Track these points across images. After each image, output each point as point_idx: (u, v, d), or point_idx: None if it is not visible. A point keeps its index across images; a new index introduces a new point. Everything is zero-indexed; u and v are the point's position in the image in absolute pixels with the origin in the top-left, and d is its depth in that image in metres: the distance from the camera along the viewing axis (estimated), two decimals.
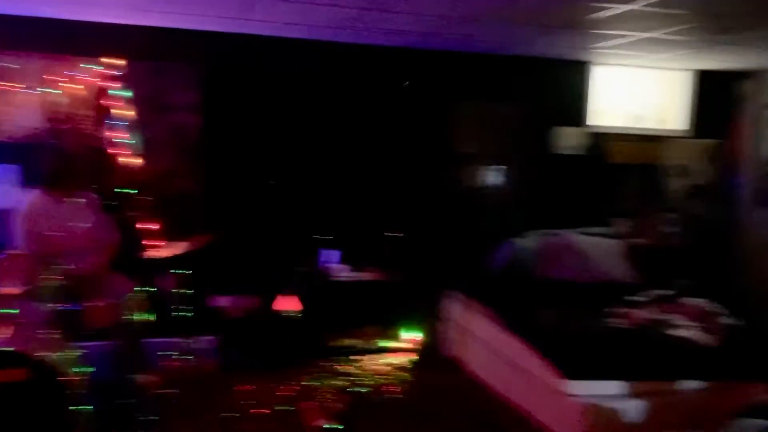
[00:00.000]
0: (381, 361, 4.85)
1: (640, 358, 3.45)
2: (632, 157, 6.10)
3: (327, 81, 5.36)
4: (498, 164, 5.88)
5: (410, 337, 5.14)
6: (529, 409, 3.76)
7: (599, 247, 5.45)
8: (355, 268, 5.16)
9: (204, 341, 4.60)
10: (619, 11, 3.97)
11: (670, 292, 4.19)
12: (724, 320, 3.70)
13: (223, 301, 4.82)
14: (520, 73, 5.80)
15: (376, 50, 5.37)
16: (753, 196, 6.23)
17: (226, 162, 5.15)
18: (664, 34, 4.60)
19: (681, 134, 6.20)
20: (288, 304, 4.80)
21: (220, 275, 4.91)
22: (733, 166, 6.39)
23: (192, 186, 5.03)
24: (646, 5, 3.82)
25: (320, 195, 5.34)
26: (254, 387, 4.18)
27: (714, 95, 6.21)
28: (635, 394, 3.33)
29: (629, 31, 4.60)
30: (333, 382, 4.33)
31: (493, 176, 5.89)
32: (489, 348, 4.31)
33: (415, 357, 4.94)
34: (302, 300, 4.82)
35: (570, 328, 3.72)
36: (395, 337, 5.16)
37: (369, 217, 5.38)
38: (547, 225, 5.66)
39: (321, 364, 4.67)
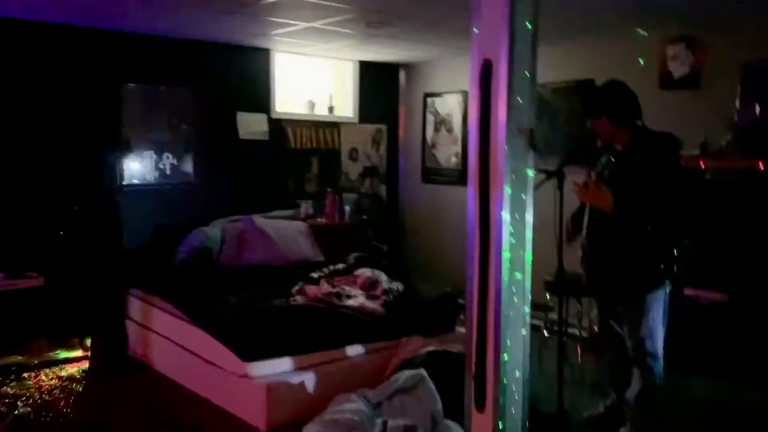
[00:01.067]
0: (52, 374, 4.33)
1: (312, 331, 3.64)
2: (312, 142, 6.43)
3: None
4: (178, 151, 5.68)
5: (87, 344, 4.68)
6: (217, 400, 3.71)
7: (285, 230, 5.62)
8: (11, 275, 4.49)
9: None
10: None
11: (344, 266, 4.52)
12: (388, 286, 4.10)
13: None
14: (203, 58, 5.66)
15: (31, 26, 4.74)
16: (418, 175, 7.06)
17: None
18: (327, 24, 4.89)
19: (350, 120, 6.71)
20: None
21: None
22: (399, 148, 7.16)
23: None
24: None
25: None
26: None
27: (376, 84, 6.85)
28: (307, 367, 3.51)
29: (294, 19, 4.78)
30: None
31: (173, 163, 5.66)
32: (171, 343, 4.14)
33: (91, 365, 4.50)
34: None
35: (248, 313, 3.76)
36: (71, 347, 4.67)
37: (24, 214, 4.72)
38: (233, 212, 5.65)
39: None
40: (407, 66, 7.03)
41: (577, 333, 4.70)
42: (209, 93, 5.72)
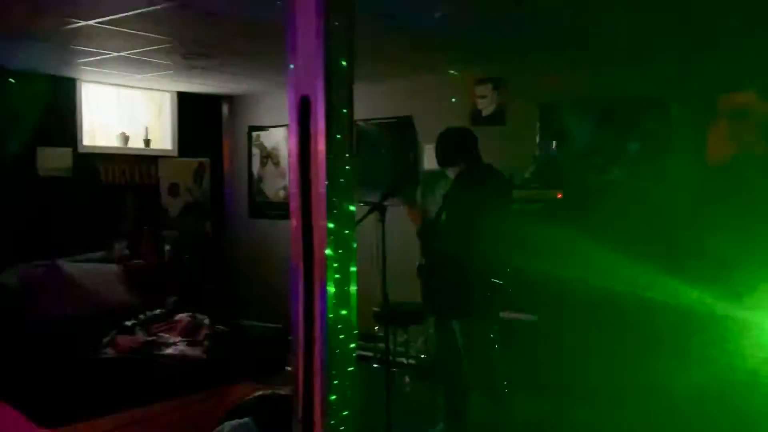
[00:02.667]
0: None
1: (125, 387, 3.31)
2: (127, 177, 5.99)
3: None
4: None
5: None
6: None
7: (96, 274, 5.13)
8: None
9: None
10: (80, 25, 3.78)
11: (162, 311, 4.21)
12: (211, 329, 3.87)
13: None
14: None
15: None
16: (244, 209, 6.85)
17: None
18: (138, 54, 4.60)
19: (170, 154, 6.37)
20: None
21: None
22: (223, 182, 6.91)
23: None
24: (106, 23, 3.72)
25: None
26: None
27: (197, 116, 6.59)
28: (122, 427, 3.19)
29: (102, 48, 4.45)
30: None
31: None
32: None
33: None
34: None
35: (49, 371, 3.33)
36: None
37: None
38: (35, 256, 5.05)
39: None
40: (231, 98, 6.86)
41: (405, 362, 4.79)
42: (2, 126, 5.11)
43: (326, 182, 2.88)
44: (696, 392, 3.65)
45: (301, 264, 3.03)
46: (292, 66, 3.19)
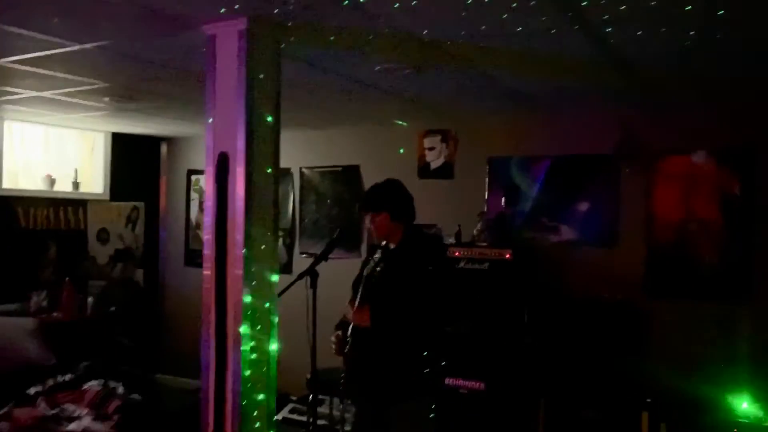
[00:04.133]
0: None
1: None
2: (50, 222, 5.56)
3: None
4: None
5: None
6: None
7: (6, 328, 4.66)
8: None
9: None
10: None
11: (72, 377, 3.79)
12: (124, 401, 3.48)
13: None
14: None
15: None
16: (180, 256, 6.46)
17: None
18: (62, 95, 4.27)
19: (100, 197, 5.96)
20: None
21: None
22: (159, 228, 6.52)
23: None
24: (19, 62, 3.40)
25: None
26: None
27: (132, 158, 6.22)
28: None
29: (21, 88, 4.10)
30: None
31: None
32: None
33: None
34: None
35: None
36: None
37: None
38: None
39: None
40: (169, 140, 6.53)
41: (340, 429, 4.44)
42: None
43: (243, 251, 2.56)
44: None
45: (213, 341, 2.67)
46: (210, 120, 2.87)
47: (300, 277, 3.02)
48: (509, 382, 4.23)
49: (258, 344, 2.52)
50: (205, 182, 2.55)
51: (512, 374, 4.23)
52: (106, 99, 4.38)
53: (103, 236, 5.96)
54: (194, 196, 6.42)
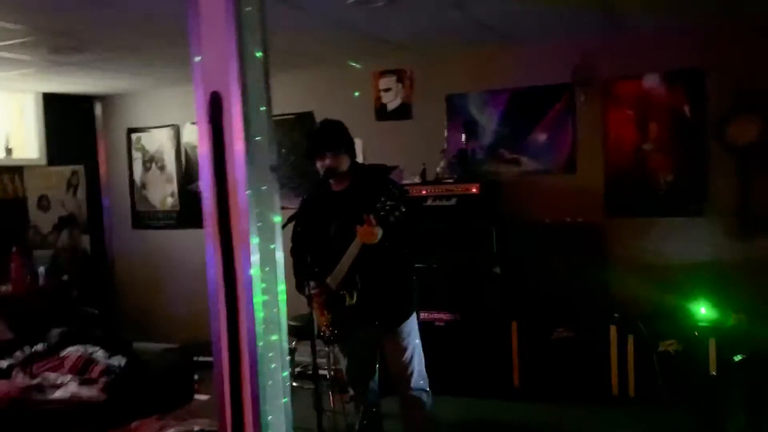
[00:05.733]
0: None
1: None
2: None
3: None
4: None
5: None
6: None
7: None
8: None
9: None
10: None
11: (45, 346, 3.62)
12: (107, 363, 3.37)
13: None
14: None
15: None
16: (126, 220, 6.21)
17: None
18: None
19: (36, 162, 5.61)
20: None
21: None
22: (101, 191, 6.23)
23: None
24: None
25: None
26: None
27: (66, 119, 5.86)
28: None
29: None
30: None
31: None
32: None
33: None
34: None
35: None
36: None
37: None
38: None
39: None
40: (104, 98, 6.17)
41: (327, 376, 4.48)
42: None
43: (247, 192, 2.50)
44: None
45: (222, 287, 2.62)
46: (198, 58, 2.73)
47: (289, 220, 2.99)
48: (482, 310, 4.37)
49: (268, 286, 2.45)
50: (197, 124, 2.43)
51: (484, 303, 4.37)
52: (43, 51, 4.08)
53: (44, 203, 5.64)
54: (136, 155, 6.14)
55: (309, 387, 3.70)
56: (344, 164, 3.08)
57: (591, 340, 4.23)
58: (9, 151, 5.36)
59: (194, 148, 5.84)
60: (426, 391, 3.22)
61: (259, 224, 2.43)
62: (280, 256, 2.75)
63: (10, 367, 3.39)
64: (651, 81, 4.32)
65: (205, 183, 2.47)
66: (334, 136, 3.12)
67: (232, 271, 2.43)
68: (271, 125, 2.54)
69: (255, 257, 2.47)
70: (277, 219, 2.66)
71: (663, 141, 4.33)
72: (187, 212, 5.90)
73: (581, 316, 4.29)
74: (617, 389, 4.16)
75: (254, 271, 2.39)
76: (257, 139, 2.46)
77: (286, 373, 2.54)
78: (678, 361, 3.98)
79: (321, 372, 4.44)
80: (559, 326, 4.31)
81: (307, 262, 3.16)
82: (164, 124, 5.98)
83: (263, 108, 2.48)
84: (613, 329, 4.16)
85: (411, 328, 3.19)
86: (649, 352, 4.07)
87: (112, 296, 6.21)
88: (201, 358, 4.18)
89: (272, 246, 2.55)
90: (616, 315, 4.19)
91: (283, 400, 2.48)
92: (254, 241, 2.40)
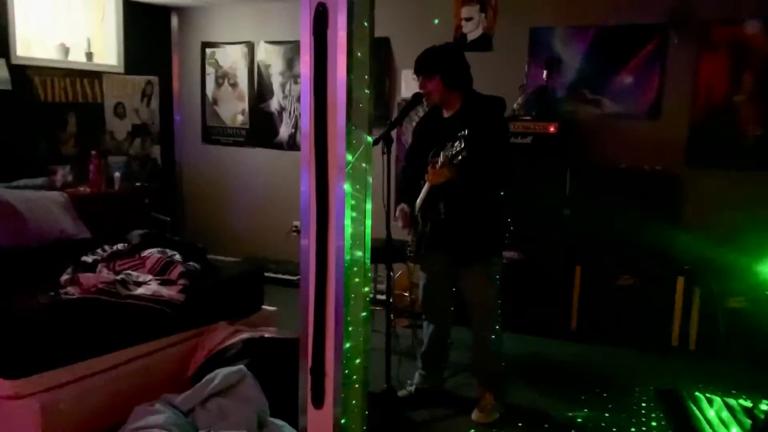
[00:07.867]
0: None
1: (95, 331, 2.94)
2: (68, 95, 5.34)
3: None
4: None
5: None
6: None
7: (37, 203, 4.58)
8: None
9: None
10: None
11: (126, 246, 3.78)
12: (185, 268, 3.51)
13: None
14: None
15: None
16: (196, 134, 6.32)
17: None
18: None
19: (115, 69, 5.71)
20: None
21: None
22: (173, 104, 6.33)
23: None
24: None
25: None
26: None
27: (143, 29, 5.90)
28: (93, 374, 2.86)
29: None
30: None
31: None
32: None
33: None
34: None
35: (5, 315, 2.90)
36: None
37: None
38: None
39: None
40: (181, 10, 6.19)
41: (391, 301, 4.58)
42: None
43: (345, 109, 2.50)
44: None
45: (314, 201, 2.66)
46: None
47: (376, 142, 2.99)
48: (547, 252, 4.36)
49: (357, 203, 2.49)
50: (301, 36, 2.43)
51: (550, 244, 4.35)
52: None
53: (119, 111, 5.77)
54: (210, 70, 6.19)
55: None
56: (436, 89, 3.09)
57: (656, 290, 4.19)
58: (89, 56, 5.46)
59: (267, 66, 5.85)
60: (496, 329, 3.27)
61: (354, 142, 2.45)
62: (369, 175, 2.77)
63: (95, 263, 3.56)
64: (752, 27, 4.08)
65: (304, 99, 2.48)
66: (424, 61, 3.14)
67: (325, 187, 2.47)
68: (373, 42, 2.52)
69: (348, 174, 2.49)
70: (370, 138, 2.67)
71: (756, 93, 4.13)
72: (256, 131, 5.97)
73: (648, 265, 4.24)
74: (677, 341, 4.14)
75: (347, 187, 2.42)
76: (359, 54, 2.45)
77: (367, 288, 2.60)
78: (745, 319, 3.93)
79: (380, 297, 4.58)
80: (624, 273, 4.28)
81: (411, 182, 3.28)
82: (239, 41, 5.98)
83: (366, 23, 2.45)
84: (680, 281, 4.11)
85: (488, 268, 3.21)
86: (715, 307, 4.02)
87: (181, 206, 6.40)
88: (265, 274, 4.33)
89: (364, 164, 2.57)
90: (686, 267, 4.13)
91: (363, 314, 2.56)
92: (348, 158, 2.42)
